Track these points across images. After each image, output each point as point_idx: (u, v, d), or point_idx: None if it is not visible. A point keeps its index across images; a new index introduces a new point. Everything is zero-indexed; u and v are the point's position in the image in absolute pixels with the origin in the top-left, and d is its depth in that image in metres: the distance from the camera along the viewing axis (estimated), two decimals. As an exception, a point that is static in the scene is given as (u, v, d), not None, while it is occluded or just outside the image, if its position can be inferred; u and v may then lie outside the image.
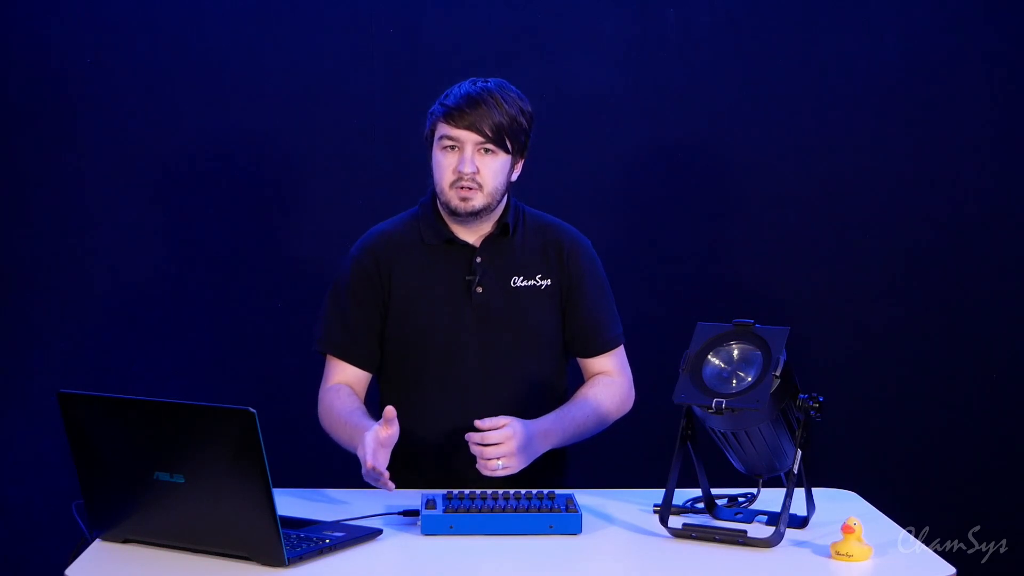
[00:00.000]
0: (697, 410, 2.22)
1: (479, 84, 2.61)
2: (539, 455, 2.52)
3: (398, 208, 2.82)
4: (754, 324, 2.21)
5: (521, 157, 2.66)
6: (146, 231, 3.60)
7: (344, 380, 2.68)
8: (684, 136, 3.65)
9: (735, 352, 2.21)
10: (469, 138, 2.55)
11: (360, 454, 2.39)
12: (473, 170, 2.56)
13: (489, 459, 2.40)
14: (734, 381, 2.18)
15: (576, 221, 2.80)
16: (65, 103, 3.56)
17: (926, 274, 3.67)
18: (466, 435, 2.42)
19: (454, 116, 2.56)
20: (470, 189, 2.57)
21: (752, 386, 2.14)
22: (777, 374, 2.14)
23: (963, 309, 3.68)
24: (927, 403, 3.69)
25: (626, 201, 3.65)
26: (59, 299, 3.59)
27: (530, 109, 2.65)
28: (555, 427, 2.57)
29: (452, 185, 2.58)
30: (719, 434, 2.24)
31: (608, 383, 2.70)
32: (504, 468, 2.41)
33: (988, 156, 3.66)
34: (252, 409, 1.93)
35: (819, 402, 2.20)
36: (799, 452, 2.20)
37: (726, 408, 2.13)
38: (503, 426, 2.41)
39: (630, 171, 3.65)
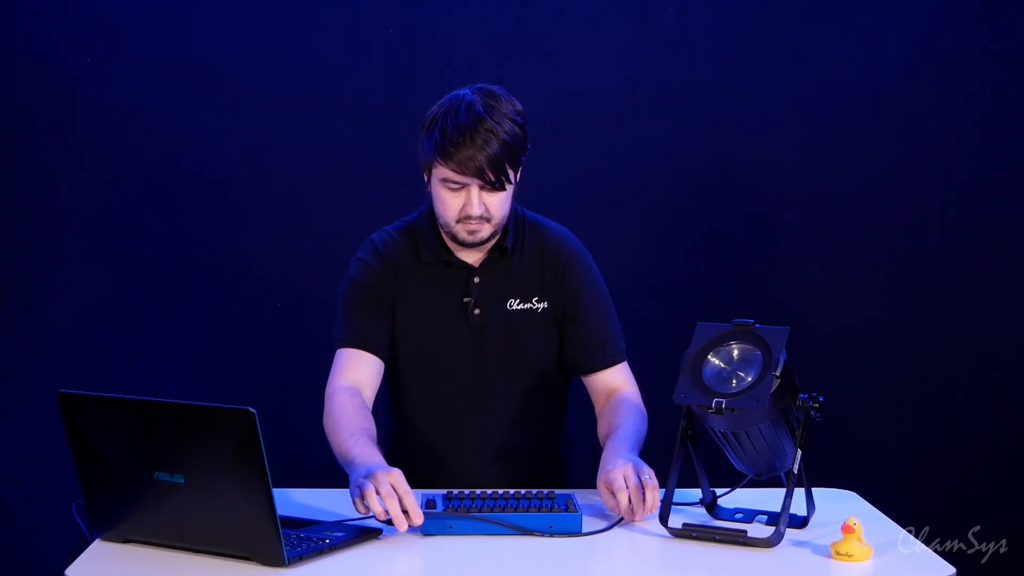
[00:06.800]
0: (697, 410, 2.22)
1: (472, 109, 2.45)
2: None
3: (398, 209, 2.81)
4: (754, 324, 2.21)
5: (520, 166, 2.56)
6: (146, 231, 3.60)
7: (355, 377, 2.55)
8: (684, 136, 3.65)
9: (735, 352, 2.21)
10: (473, 181, 2.46)
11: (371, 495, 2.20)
12: (481, 211, 2.49)
13: (643, 505, 2.27)
14: (734, 381, 2.17)
15: (575, 221, 2.79)
16: (65, 103, 3.56)
17: (926, 274, 3.67)
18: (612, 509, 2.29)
19: (453, 158, 2.44)
20: (478, 223, 2.51)
21: (752, 386, 2.14)
22: (777, 374, 2.14)
23: (963, 309, 3.68)
24: (927, 403, 3.69)
25: (626, 201, 3.65)
26: (59, 299, 3.59)
27: (521, 110, 2.52)
28: (629, 443, 2.46)
29: (459, 221, 2.51)
30: (719, 434, 2.24)
31: (631, 397, 2.61)
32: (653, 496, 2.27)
33: (988, 156, 3.66)
34: (252, 409, 1.92)
35: (819, 402, 2.19)
36: (799, 452, 2.20)
37: (726, 408, 2.13)
38: (623, 479, 2.28)
39: (629, 171, 3.65)
